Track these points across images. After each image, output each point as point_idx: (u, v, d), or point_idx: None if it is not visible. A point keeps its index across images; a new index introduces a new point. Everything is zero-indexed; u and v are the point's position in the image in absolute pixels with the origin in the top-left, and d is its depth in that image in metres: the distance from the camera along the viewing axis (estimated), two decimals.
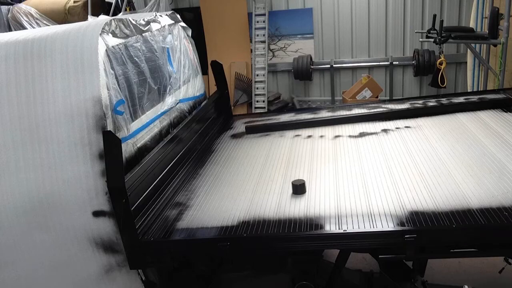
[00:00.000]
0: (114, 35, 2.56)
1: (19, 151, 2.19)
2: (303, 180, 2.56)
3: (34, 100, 2.19)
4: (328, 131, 3.51)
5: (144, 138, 2.71)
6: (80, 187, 2.16)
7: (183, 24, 3.84)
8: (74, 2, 7.76)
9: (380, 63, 7.50)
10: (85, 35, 2.26)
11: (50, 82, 2.19)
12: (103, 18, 2.73)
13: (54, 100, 2.17)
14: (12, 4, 8.00)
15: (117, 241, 2.21)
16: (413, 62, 7.08)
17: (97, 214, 2.18)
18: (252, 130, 3.74)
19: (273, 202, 2.44)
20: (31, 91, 2.19)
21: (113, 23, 2.54)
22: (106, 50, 2.42)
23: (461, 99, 3.79)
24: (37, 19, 7.68)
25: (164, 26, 3.37)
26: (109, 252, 2.23)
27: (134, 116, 2.61)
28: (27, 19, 7.66)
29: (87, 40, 2.23)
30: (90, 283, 2.34)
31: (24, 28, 7.45)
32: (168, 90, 3.19)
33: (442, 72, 5.82)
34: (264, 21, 7.63)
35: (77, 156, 2.16)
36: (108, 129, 2.18)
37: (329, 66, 7.66)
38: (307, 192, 2.51)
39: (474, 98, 3.76)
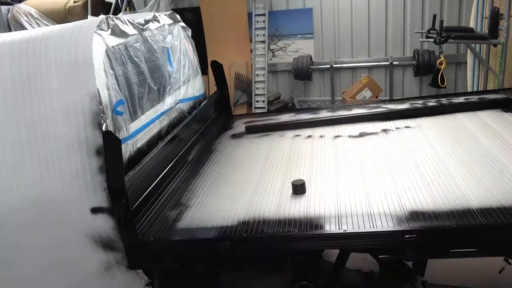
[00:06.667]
0: (114, 35, 2.56)
1: (17, 149, 2.19)
2: (303, 180, 2.56)
3: (30, 98, 2.19)
4: (328, 131, 3.50)
5: (143, 138, 2.71)
6: (78, 184, 2.16)
7: (183, 24, 3.84)
8: (74, 2, 7.75)
9: (380, 63, 7.50)
10: (80, 32, 2.26)
11: (46, 80, 2.18)
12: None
13: (50, 97, 2.17)
14: (12, 4, 7.99)
15: (115, 238, 2.21)
16: (413, 62, 7.08)
17: (95, 211, 2.18)
18: (252, 130, 3.73)
19: (273, 202, 2.44)
20: (26, 89, 2.20)
21: (109, 20, 2.54)
22: (106, 50, 2.42)
23: (461, 99, 3.79)
24: (37, 19, 7.67)
25: (163, 26, 3.37)
26: (108, 250, 2.23)
27: (133, 116, 2.61)
28: (27, 19, 7.66)
29: (82, 37, 2.23)
30: (90, 281, 2.34)
31: (24, 28, 7.45)
32: (168, 90, 3.19)
33: (442, 72, 5.82)
34: (264, 21, 7.63)
35: (74, 153, 2.15)
36: (108, 130, 2.19)
37: (329, 66, 7.66)
38: (307, 192, 2.51)
39: (474, 98, 3.75)
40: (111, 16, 2.70)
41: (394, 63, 7.39)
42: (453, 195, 2.28)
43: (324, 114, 3.92)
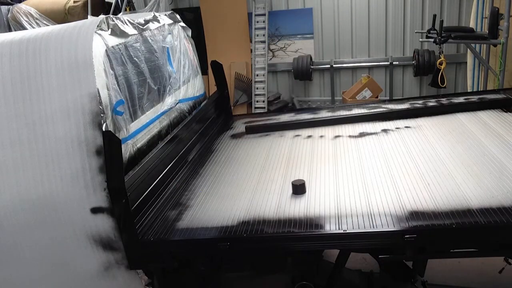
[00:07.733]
0: (114, 35, 2.55)
1: (17, 149, 2.19)
2: (303, 180, 2.56)
3: (30, 97, 2.19)
4: (328, 131, 3.50)
5: (143, 138, 2.71)
6: (77, 184, 2.16)
7: (182, 24, 3.84)
8: (74, 2, 7.75)
9: (380, 63, 7.50)
10: (80, 32, 2.26)
11: (45, 80, 2.18)
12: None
13: (50, 97, 2.17)
14: (12, 4, 7.99)
15: (115, 238, 2.21)
16: (413, 62, 7.08)
17: (95, 211, 2.18)
18: (252, 130, 3.74)
19: (273, 202, 2.44)
20: (26, 89, 2.19)
21: (109, 20, 2.54)
22: (106, 50, 2.42)
23: (461, 99, 3.79)
24: (37, 19, 7.67)
25: (163, 26, 3.37)
26: (108, 250, 2.23)
27: (133, 116, 2.61)
28: (27, 19, 7.66)
29: (82, 37, 2.23)
30: (90, 281, 2.34)
31: (24, 28, 7.45)
32: (168, 90, 3.19)
33: (442, 72, 5.82)
34: (264, 21, 7.63)
35: (74, 153, 2.15)
36: (108, 130, 2.18)
37: (329, 66, 7.66)
38: (307, 192, 2.51)
39: (474, 98, 3.75)
40: (111, 16, 2.71)
41: (394, 63, 7.39)
42: (453, 195, 2.28)
43: (324, 114, 3.92)
